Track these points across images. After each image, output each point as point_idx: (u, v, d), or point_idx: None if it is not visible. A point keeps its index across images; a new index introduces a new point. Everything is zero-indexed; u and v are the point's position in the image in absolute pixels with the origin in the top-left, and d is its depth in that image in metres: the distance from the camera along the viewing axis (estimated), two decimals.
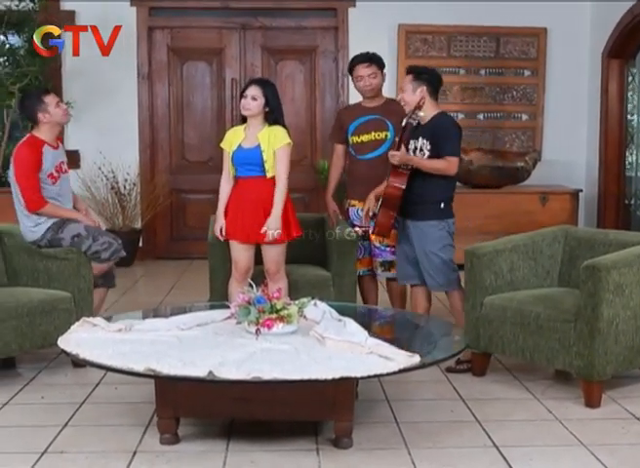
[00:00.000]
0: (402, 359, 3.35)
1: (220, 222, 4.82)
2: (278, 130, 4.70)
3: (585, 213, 8.35)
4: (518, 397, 4.16)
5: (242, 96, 4.72)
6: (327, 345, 3.50)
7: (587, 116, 8.53)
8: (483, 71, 8.47)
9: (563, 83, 8.51)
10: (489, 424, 3.74)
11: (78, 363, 4.21)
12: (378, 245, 5.18)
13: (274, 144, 4.66)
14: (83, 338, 3.66)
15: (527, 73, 8.51)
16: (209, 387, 3.43)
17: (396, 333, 4.27)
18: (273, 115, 4.70)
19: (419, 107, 4.46)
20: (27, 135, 4.88)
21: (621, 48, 7.97)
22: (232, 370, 3.21)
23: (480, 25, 8.35)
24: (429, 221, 4.60)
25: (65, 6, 8.10)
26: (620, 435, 3.66)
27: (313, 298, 3.91)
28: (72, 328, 3.85)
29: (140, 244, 8.38)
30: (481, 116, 8.49)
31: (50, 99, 4.81)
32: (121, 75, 8.27)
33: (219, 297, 4.91)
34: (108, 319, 3.98)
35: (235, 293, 4.65)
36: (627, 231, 5.35)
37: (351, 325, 3.73)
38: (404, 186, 4.50)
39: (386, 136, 5.12)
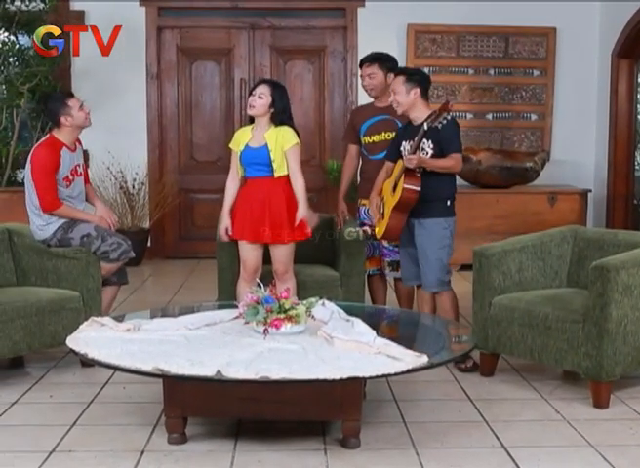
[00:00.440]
0: (410, 359, 3.35)
1: (224, 223, 4.82)
2: (286, 130, 4.70)
3: (594, 213, 8.32)
4: (526, 397, 4.15)
5: (251, 94, 4.74)
6: (335, 345, 3.49)
7: (596, 116, 8.50)
8: (492, 71, 8.45)
9: (572, 83, 8.48)
10: (497, 424, 3.74)
11: (86, 362, 4.19)
12: (386, 245, 5.19)
13: (283, 145, 4.67)
14: (91, 338, 3.66)
15: (536, 73, 8.48)
16: (217, 387, 3.42)
17: (404, 333, 4.26)
18: (279, 117, 4.70)
19: (446, 111, 4.39)
20: (47, 135, 4.90)
21: (631, 48, 7.94)
22: (240, 369, 3.20)
23: (489, 25, 8.33)
24: (436, 219, 4.60)
25: (75, 6, 8.12)
26: (629, 435, 3.64)
27: (321, 298, 3.91)
28: (81, 327, 3.85)
29: (149, 243, 8.39)
30: (490, 116, 8.47)
31: (74, 103, 4.83)
32: (130, 75, 8.28)
33: (227, 297, 4.91)
34: (117, 318, 3.98)
35: (243, 293, 4.65)
36: (636, 231, 5.33)
37: (359, 325, 3.72)
38: (419, 188, 4.50)
39: (396, 136, 5.08)
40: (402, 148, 4.65)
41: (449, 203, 4.64)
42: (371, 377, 3.31)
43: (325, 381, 3.18)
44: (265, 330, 3.62)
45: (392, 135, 5.07)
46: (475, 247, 4.52)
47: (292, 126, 4.77)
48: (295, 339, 3.59)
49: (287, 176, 4.74)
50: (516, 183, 7.84)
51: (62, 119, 4.78)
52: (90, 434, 3.65)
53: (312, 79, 8.61)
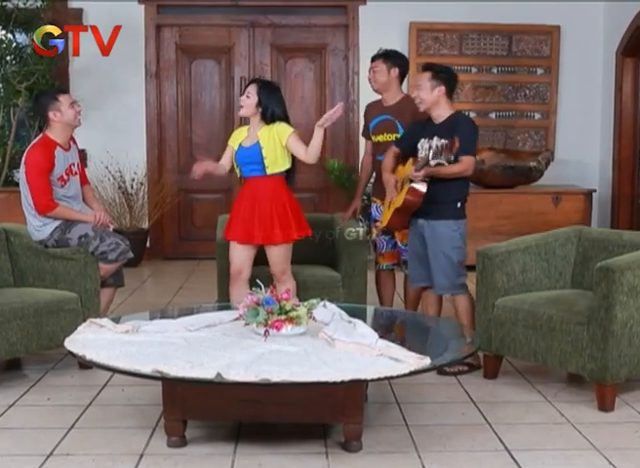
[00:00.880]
0: (412, 361, 3.33)
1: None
2: (278, 125, 4.69)
3: (599, 213, 8.29)
4: (530, 400, 4.13)
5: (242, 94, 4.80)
6: (336, 347, 3.47)
7: (601, 115, 8.47)
8: (495, 70, 8.41)
9: (576, 82, 8.45)
10: (500, 427, 3.71)
11: (84, 364, 4.16)
12: (399, 244, 5.21)
13: (281, 139, 4.66)
14: (90, 339, 3.64)
15: (540, 72, 8.44)
16: (217, 389, 3.40)
17: (407, 335, 4.25)
18: (268, 114, 4.68)
19: (451, 150, 4.34)
20: (41, 135, 4.87)
21: (636, 46, 7.90)
22: (240, 371, 3.18)
23: (492, 23, 8.29)
24: (445, 221, 4.57)
25: (73, 4, 8.08)
26: (634, 439, 3.62)
27: (323, 299, 3.89)
28: (79, 329, 3.83)
29: (148, 244, 8.36)
30: (493, 115, 8.43)
31: (64, 99, 4.81)
32: (129, 74, 8.25)
33: (227, 298, 4.89)
34: (115, 320, 3.97)
35: (234, 296, 4.70)
36: None
37: (361, 326, 3.71)
38: (424, 190, 4.47)
39: (396, 137, 5.08)
40: (419, 146, 4.57)
41: (459, 205, 4.61)
42: (373, 380, 3.28)
43: (326, 384, 3.16)
44: (266, 331, 3.60)
45: (393, 136, 5.07)
46: (478, 247, 4.49)
47: (287, 123, 4.75)
48: (296, 341, 3.57)
49: (280, 175, 4.74)
50: (520, 183, 7.82)
51: (51, 114, 4.76)
52: (88, 437, 3.62)
53: (313, 78, 8.58)
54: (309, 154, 4.63)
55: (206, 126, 8.62)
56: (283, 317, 3.61)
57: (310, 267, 5.24)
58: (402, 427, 3.72)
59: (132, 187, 8.14)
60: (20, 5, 7.35)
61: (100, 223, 4.86)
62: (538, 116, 8.49)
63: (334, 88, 8.54)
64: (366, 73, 5.37)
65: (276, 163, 4.69)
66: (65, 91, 5.05)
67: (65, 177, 4.79)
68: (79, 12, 8.05)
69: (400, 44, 8.15)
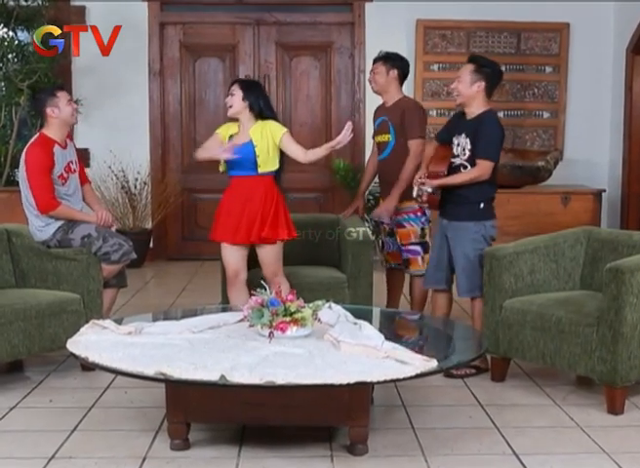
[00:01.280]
0: (419, 363, 3.30)
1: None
2: (271, 123, 4.70)
3: (608, 213, 8.23)
4: (538, 403, 4.10)
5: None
6: (342, 349, 3.45)
7: (611, 114, 8.40)
8: (503, 68, 8.16)
9: (586, 80, 8.39)
10: (508, 431, 3.69)
11: (87, 366, 4.17)
12: (399, 244, 5.26)
13: (274, 138, 4.66)
14: (92, 341, 3.62)
15: (548, 70, 8.38)
16: (221, 391, 3.38)
17: (413, 337, 4.23)
18: (255, 107, 4.69)
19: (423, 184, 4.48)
20: (38, 133, 4.84)
21: None
22: (245, 373, 3.16)
23: (500, 21, 8.24)
24: (465, 222, 4.54)
25: (76, 2, 8.06)
26: None
27: (328, 301, 3.87)
28: (81, 330, 3.81)
29: (151, 244, 8.32)
30: (501, 114, 8.32)
31: (62, 95, 4.80)
32: (132, 72, 8.22)
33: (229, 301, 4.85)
34: (118, 321, 3.95)
35: (233, 299, 4.70)
36: None
37: (367, 328, 3.68)
38: (431, 190, 4.53)
39: (388, 138, 5.20)
40: (454, 141, 4.58)
41: (482, 206, 4.55)
42: (379, 382, 3.24)
43: (332, 386, 3.14)
44: (270, 333, 3.57)
45: (386, 137, 5.19)
46: (486, 248, 4.47)
47: (276, 120, 4.78)
48: (301, 343, 3.54)
49: (271, 175, 4.72)
50: (528, 183, 7.76)
51: (49, 110, 4.74)
52: (90, 440, 3.61)
53: (319, 76, 8.54)
54: (308, 157, 4.66)
55: (210, 125, 8.51)
56: (288, 318, 3.59)
57: (315, 268, 5.23)
58: (408, 430, 3.69)
59: (135, 187, 8.12)
60: (22, 2, 7.32)
61: (104, 223, 4.83)
62: (546, 115, 8.44)
63: (339, 86, 8.51)
64: None
65: (268, 162, 4.68)
66: (63, 87, 5.02)
67: (65, 175, 4.77)
68: (82, 9, 8.02)
69: (407, 42, 8.14)
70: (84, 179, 5.03)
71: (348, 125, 4.49)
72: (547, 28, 8.31)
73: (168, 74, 8.44)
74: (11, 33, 7.37)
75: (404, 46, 8.02)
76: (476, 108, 4.51)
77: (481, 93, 4.49)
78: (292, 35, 8.46)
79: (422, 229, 5.21)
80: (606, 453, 3.44)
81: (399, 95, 5.28)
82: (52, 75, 7.38)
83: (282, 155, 4.74)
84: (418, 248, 5.20)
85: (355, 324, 3.74)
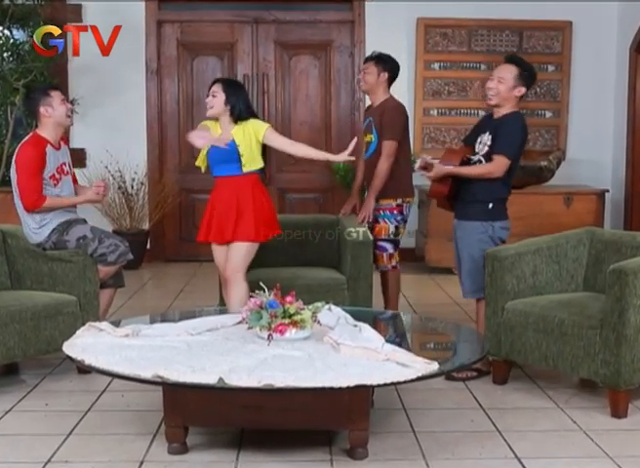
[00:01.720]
0: (420, 366, 3.29)
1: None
2: (252, 122, 4.68)
3: (612, 214, 8.22)
4: (541, 406, 4.08)
5: (207, 96, 4.76)
6: (342, 351, 3.43)
7: (614, 113, 8.38)
8: None
9: (589, 79, 8.36)
10: (510, 434, 3.67)
11: (83, 369, 4.15)
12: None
13: (257, 136, 4.63)
14: (89, 344, 3.61)
15: (551, 69, 8.35)
16: (219, 395, 3.38)
17: (414, 340, 4.22)
18: (235, 112, 4.65)
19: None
20: (31, 133, 4.82)
21: None
22: (243, 376, 3.15)
23: (502, 19, 8.21)
24: (472, 222, 4.52)
25: (72, 0, 8.00)
26: None
27: (327, 303, 3.85)
28: (78, 332, 3.80)
29: (148, 246, 8.29)
30: None
31: (56, 95, 4.77)
32: (129, 71, 8.18)
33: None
34: (115, 323, 3.94)
35: (227, 299, 4.68)
36: None
37: (367, 330, 3.67)
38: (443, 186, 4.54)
39: (371, 138, 5.29)
40: (478, 141, 4.57)
41: (491, 206, 4.52)
42: (379, 385, 3.25)
43: (331, 389, 3.12)
44: (269, 335, 3.56)
45: (369, 137, 5.29)
46: (488, 249, 4.43)
47: (256, 118, 4.76)
48: (300, 346, 3.53)
49: (256, 174, 4.70)
50: (530, 183, 7.74)
51: (42, 109, 4.70)
52: (87, 444, 3.60)
53: (318, 75, 8.51)
54: (296, 149, 4.71)
55: None
56: (287, 321, 3.57)
57: (315, 270, 5.21)
58: (409, 434, 3.68)
59: (132, 187, 8.08)
60: (18, 1, 7.28)
61: (103, 190, 4.81)
62: (549, 114, 8.41)
63: (339, 85, 8.48)
64: None
65: (253, 161, 4.66)
66: (57, 87, 4.98)
67: (57, 176, 4.74)
68: (78, 8, 7.98)
69: (407, 40, 8.12)
70: (74, 180, 4.99)
71: (354, 142, 4.54)
72: (550, 27, 8.28)
73: (165, 73, 8.40)
74: (6, 32, 7.34)
75: (404, 45, 7.99)
76: (507, 109, 4.51)
77: (518, 96, 4.49)
78: (291, 34, 8.43)
79: (397, 228, 5.30)
80: (609, 457, 3.43)
81: (385, 96, 5.32)
82: (48, 74, 7.35)
83: (265, 152, 4.72)
84: (387, 244, 5.29)
85: (355, 326, 3.73)
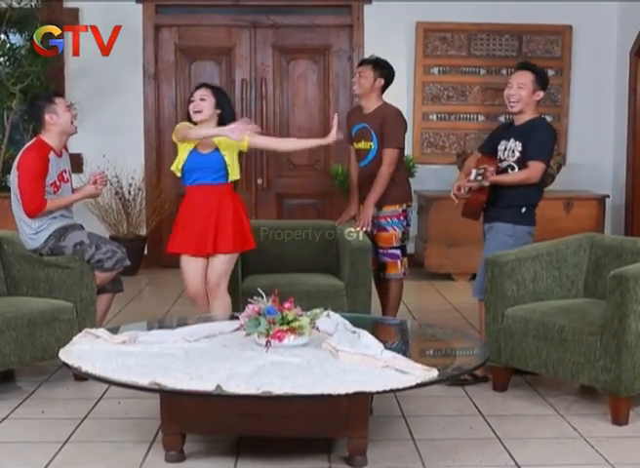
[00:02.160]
0: (419, 373, 3.28)
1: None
2: None
3: (612, 219, 8.19)
4: (541, 413, 4.07)
5: (189, 102, 4.66)
6: (340, 358, 3.42)
7: (614, 118, 8.35)
8: (505, 71, 8.24)
9: (589, 83, 8.34)
10: (510, 442, 3.66)
11: (80, 376, 4.13)
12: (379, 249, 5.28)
13: (240, 144, 4.54)
14: (85, 350, 3.60)
15: (551, 73, 8.25)
16: (216, 402, 3.37)
17: (413, 346, 4.20)
18: (225, 117, 4.58)
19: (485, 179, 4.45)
20: (35, 138, 4.78)
21: None
22: (241, 384, 3.13)
23: (502, 23, 8.18)
24: (503, 224, 4.53)
25: (69, 4, 8.00)
26: None
27: (326, 309, 3.83)
28: (74, 339, 3.78)
29: (145, 251, 8.24)
30: (502, 118, 8.25)
31: (60, 101, 4.75)
32: (126, 75, 8.15)
33: None
34: (112, 330, 3.92)
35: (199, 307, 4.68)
36: None
37: (366, 337, 3.66)
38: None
39: (371, 146, 5.21)
40: (499, 147, 4.61)
41: (524, 210, 4.54)
42: (378, 392, 3.23)
43: (330, 396, 3.11)
44: (267, 342, 3.54)
45: (368, 145, 5.21)
46: (488, 255, 4.42)
47: None
48: (298, 352, 3.51)
49: (232, 184, 4.65)
50: None
51: (47, 117, 4.67)
52: (83, 452, 3.58)
53: (316, 79, 8.48)
54: (284, 145, 4.82)
55: None
56: (285, 327, 3.55)
57: (313, 276, 5.20)
58: (408, 441, 3.67)
59: (129, 193, 8.04)
60: (14, 4, 7.26)
61: (99, 177, 4.77)
62: (549, 119, 8.31)
63: (338, 90, 8.45)
64: None
65: (234, 170, 4.62)
66: (60, 94, 4.96)
67: (58, 184, 4.71)
68: (75, 11, 7.95)
69: (406, 45, 8.10)
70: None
71: (336, 119, 4.54)
72: (549, 31, 8.25)
73: (163, 78, 8.37)
74: (3, 36, 7.31)
75: (403, 49, 7.97)
76: (529, 115, 4.55)
77: (536, 101, 4.54)
78: (289, 38, 8.41)
79: (404, 233, 5.27)
80: (610, 465, 3.42)
81: (379, 102, 5.27)
82: (44, 78, 7.34)
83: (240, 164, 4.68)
84: (397, 251, 5.25)
85: (354, 332, 3.72)
